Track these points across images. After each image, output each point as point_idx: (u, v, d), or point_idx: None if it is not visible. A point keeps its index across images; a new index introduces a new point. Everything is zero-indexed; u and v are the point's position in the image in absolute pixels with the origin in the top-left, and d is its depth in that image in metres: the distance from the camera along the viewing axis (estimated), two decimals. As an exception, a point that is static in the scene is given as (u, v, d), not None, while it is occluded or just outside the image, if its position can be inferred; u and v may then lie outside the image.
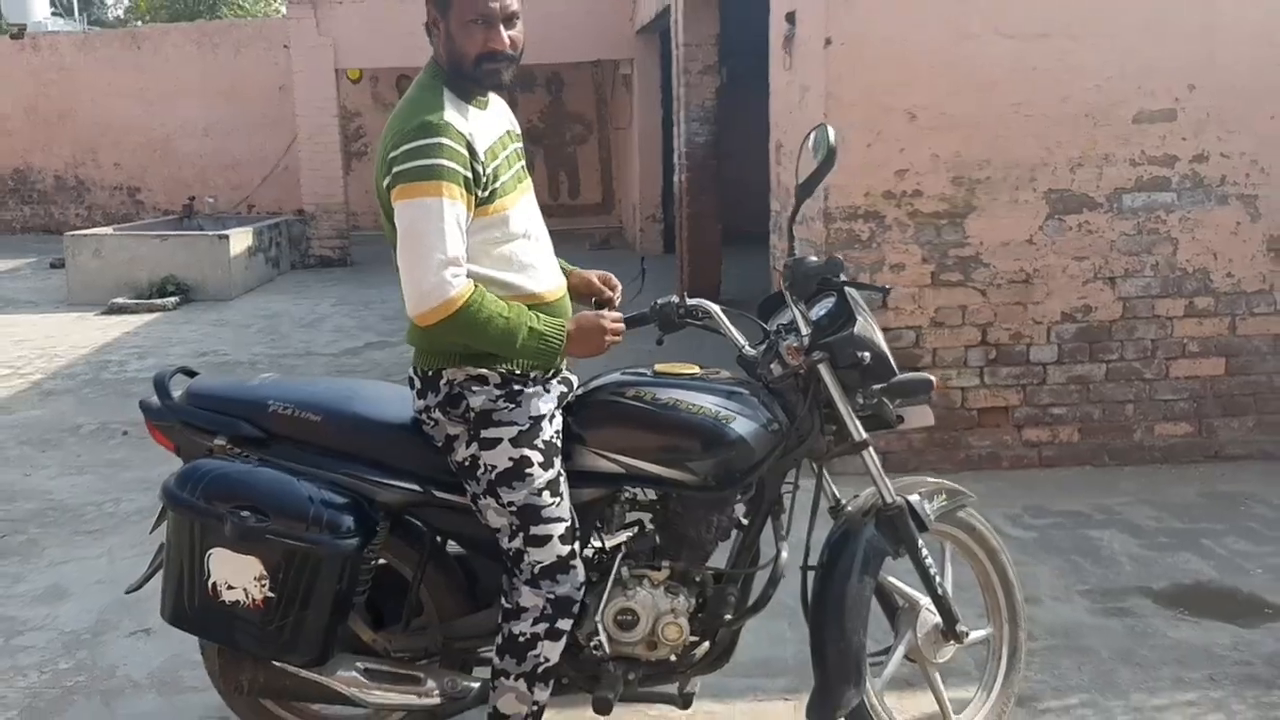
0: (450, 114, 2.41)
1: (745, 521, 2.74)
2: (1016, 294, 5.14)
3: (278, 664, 2.64)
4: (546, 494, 2.51)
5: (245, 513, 2.46)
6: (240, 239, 12.22)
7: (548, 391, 2.57)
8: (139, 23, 25.56)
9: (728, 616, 2.71)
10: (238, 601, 2.51)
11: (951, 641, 2.83)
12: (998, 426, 5.25)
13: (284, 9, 16.20)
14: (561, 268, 2.76)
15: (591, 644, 2.64)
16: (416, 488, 2.63)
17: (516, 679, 2.54)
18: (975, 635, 2.90)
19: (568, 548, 2.53)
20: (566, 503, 2.55)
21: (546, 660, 2.55)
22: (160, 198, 18.03)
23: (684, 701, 2.76)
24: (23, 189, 18.78)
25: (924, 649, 2.84)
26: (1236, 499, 4.82)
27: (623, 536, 2.70)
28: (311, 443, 2.63)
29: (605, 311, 2.59)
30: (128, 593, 2.90)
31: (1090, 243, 5.12)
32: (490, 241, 2.48)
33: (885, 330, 4.83)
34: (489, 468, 2.51)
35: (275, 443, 2.64)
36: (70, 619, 3.92)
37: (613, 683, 2.64)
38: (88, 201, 18.58)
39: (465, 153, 2.39)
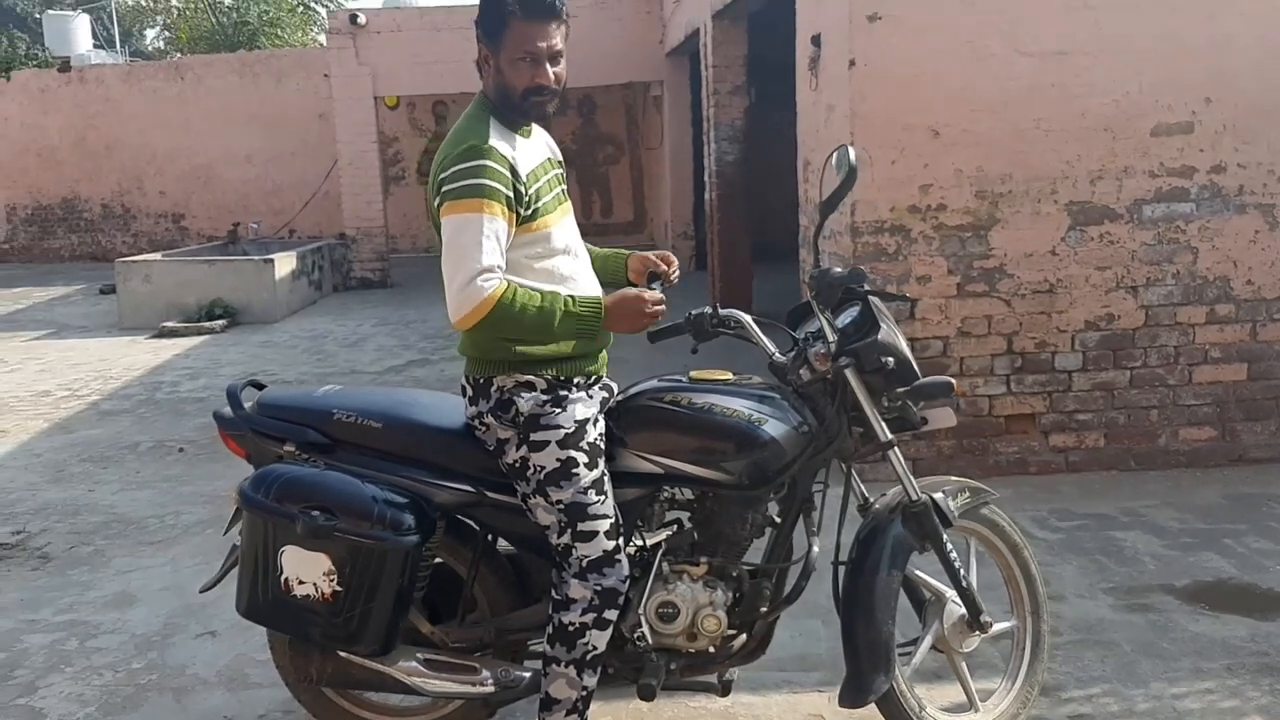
0: (495, 140, 2.61)
1: (778, 519, 2.88)
2: (1041, 304, 5.24)
3: (344, 654, 2.81)
4: (592, 492, 2.67)
5: (315, 513, 2.64)
6: (285, 263, 12.47)
7: (590, 397, 2.75)
8: (179, 54, 26.07)
9: (763, 609, 2.84)
10: (308, 595, 2.68)
11: (976, 632, 2.95)
12: (1025, 433, 5.34)
13: (323, 39, 16.54)
14: (619, 252, 2.97)
15: (635, 635, 2.78)
16: (470, 489, 2.79)
17: (566, 665, 2.69)
18: (999, 626, 3.00)
19: (613, 543, 2.69)
20: (611, 501, 2.71)
21: (594, 649, 2.70)
22: (204, 224, 18.38)
23: (723, 690, 2.91)
24: (71, 218, 19.21)
25: (950, 639, 2.95)
26: (1258, 500, 4.90)
27: (663, 534, 2.85)
28: (373, 448, 2.81)
29: (644, 290, 2.69)
30: (202, 591, 3.09)
31: (1112, 253, 5.22)
32: (534, 256, 2.67)
33: (913, 340, 5.02)
34: (538, 468, 2.67)
35: (340, 448, 2.82)
36: (140, 623, 4.11)
37: (655, 672, 2.76)
38: (134, 229, 18.96)
39: (508, 174, 2.58)
